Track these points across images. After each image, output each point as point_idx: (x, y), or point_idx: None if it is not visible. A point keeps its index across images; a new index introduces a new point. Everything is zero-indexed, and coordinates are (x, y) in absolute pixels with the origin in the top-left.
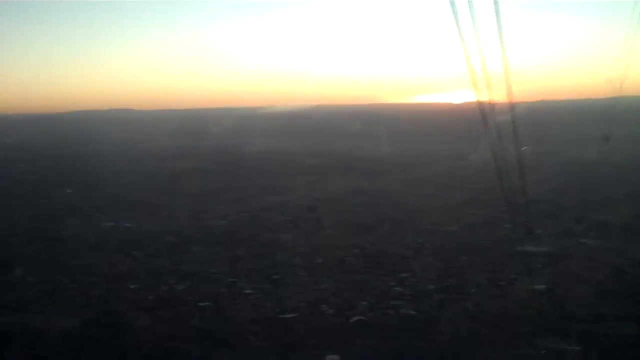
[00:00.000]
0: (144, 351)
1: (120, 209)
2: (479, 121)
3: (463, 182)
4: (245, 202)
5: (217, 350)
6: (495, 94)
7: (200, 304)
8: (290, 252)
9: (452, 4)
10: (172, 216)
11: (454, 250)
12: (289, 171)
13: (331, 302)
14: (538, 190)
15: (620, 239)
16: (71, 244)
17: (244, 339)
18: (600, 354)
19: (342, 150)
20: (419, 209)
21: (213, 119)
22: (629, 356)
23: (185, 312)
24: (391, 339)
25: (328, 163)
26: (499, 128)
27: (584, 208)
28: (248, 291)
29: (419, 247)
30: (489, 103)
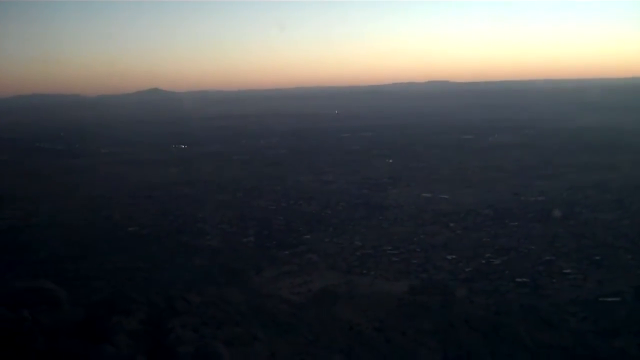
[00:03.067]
0: (471, 323)
1: (436, 181)
2: None
3: None
4: (564, 178)
5: (542, 329)
6: None
7: (518, 279)
8: (612, 233)
9: None
10: (489, 189)
11: None
12: (612, 149)
13: None
14: None
15: None
16: (392, 212)
17: (564, 320)
18: None
19: None
20: None
21: (527, 91)
22: None
23: (503, 287)
24: None
25: None
26: None
27: None
28: (567, 270)
29: None
30: None
